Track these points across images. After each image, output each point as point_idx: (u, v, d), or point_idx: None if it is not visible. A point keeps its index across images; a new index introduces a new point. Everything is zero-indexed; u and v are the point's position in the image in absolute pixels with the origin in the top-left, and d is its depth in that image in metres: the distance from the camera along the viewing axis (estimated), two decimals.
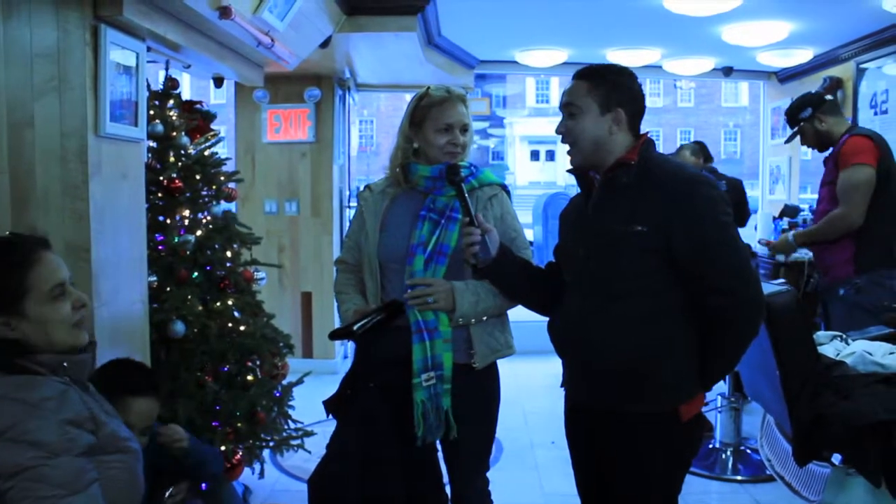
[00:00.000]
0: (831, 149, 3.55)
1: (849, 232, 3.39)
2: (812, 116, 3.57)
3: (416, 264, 2.25)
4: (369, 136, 33.10)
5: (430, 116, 2.31)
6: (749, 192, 10.94)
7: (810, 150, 4.00)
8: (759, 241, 4.47)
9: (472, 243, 2.13)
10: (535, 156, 35.84)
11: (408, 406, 2.23)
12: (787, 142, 4.00)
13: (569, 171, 2.13)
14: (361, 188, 2.50)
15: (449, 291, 2.22)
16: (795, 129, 3.68)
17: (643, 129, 2.07)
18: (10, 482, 1.43)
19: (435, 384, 2.23)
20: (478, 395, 2.34)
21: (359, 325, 2.22)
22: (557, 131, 2.07)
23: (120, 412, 1.96)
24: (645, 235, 1.89)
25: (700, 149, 5.50)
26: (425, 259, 2.25)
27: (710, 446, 3.97)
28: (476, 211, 2.23)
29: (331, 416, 2.37)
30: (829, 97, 3.66)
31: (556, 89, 32.90)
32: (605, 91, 1.98)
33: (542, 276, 2.27)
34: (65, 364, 1.59)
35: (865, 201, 3.32)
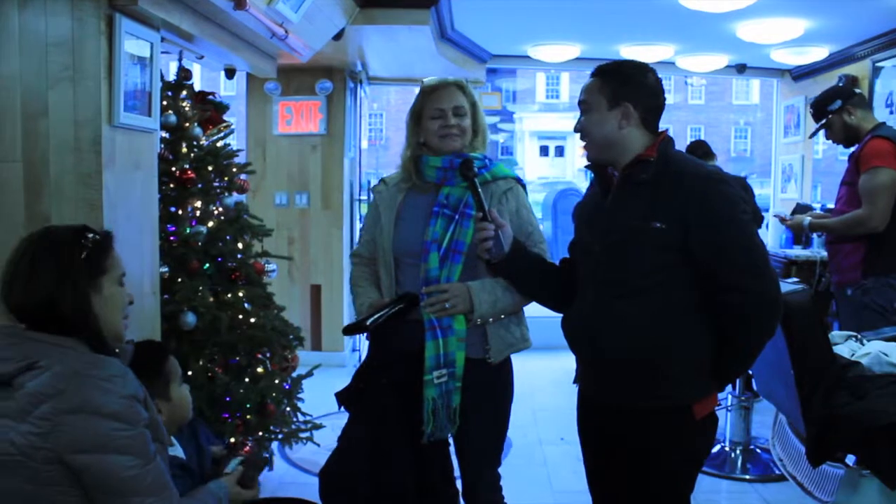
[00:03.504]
0: (856, 145, 3.48)
1: (871, 234, 3.33)
2: (842, 109, 3.47)
3: (431, 261, 2.23)
4: (379, 129, 33.07)
5: (425, 107, 2.33)
6: (760, 191, 10.91)
7: (822, 149, 3.95)
8: (775, 215, 4.41)
9: (485, 238, 2.12)
10: (544, 151, 35.71)
11: (418, 401, 2.23)
12: (811, 136, 3.92)
13: (587, 166, 2.12)
14: (376, 181, 2.49)
15: (465, 293, 2.20)
16: (823, 121, 3.57)
17: (667, 127, 2.05)
18: (94, 456, 1.49)
19: (446, 381, 2.22)
20: (491, 390, 2.34)
21: (372, 319, 2.21)
22: (574, 129, 2.06)
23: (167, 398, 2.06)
24: (663, 232, 1.87)
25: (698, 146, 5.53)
26: (440, 256, 2.23)
27: (720, 446, 3.96)
28: (490, 205, 2.22)
29: (342, 409, 2.37)
30: (858, 90, 3.58)
31: (567, 85, 32.79)
32: (614, 87, 1.97)
33: (556, 272, 2.25)
34: (116, 350, 1.70)
35: (889, 205, 3.26)
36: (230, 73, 3.93)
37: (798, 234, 3.88)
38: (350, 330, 2.27)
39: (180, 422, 2.13)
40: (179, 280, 3.04)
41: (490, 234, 2.12)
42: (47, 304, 1.58)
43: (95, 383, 1.53)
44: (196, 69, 4.10)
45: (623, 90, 1.96)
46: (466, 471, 2.39)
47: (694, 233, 1.86)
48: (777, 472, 3.41)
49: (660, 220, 1.88)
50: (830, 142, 3.73)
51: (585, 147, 2.04)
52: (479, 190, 2.16)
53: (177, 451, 2.10)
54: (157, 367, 2.09)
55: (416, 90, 2.41)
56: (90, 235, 1.68)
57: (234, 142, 3.56)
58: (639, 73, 1.99)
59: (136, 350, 2.03)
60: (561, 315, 2.18)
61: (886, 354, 2.41)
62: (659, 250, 1.90)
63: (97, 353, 1.61)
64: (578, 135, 2.05)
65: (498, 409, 2.38)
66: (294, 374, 3.48)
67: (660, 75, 2.05)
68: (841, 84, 3.57)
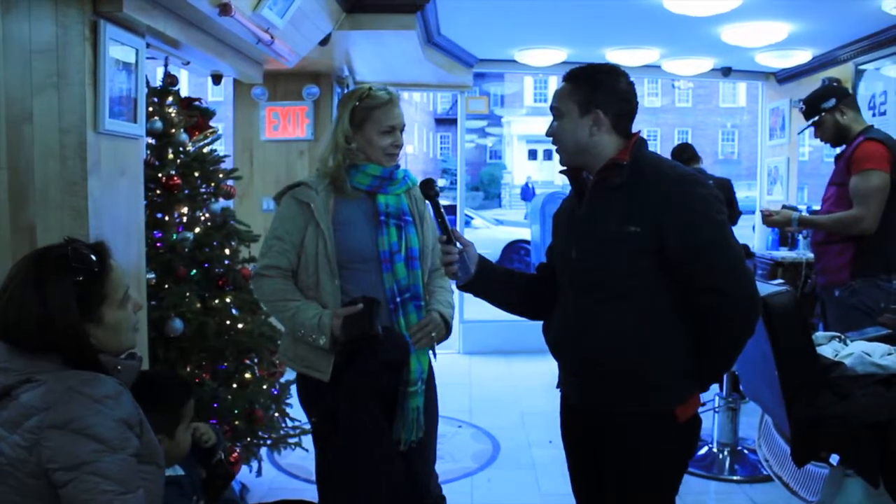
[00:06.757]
0: (843, 147, 3.50)
1: (860, 235, 3.34)
2: (835, 107, 3.48)
3: (399, 271, 2.30)
4: None
5: (371, 118, 2.30)
6: (746, 193, 10.96)
7: (808, 151, 3.96)
8: (761, 210, 4.40)
9: (450, 262, 2.08)
10: (532, 155, 35.84)
11: (393, 412, 2.33)
12: (800, 132, 3.92)
13: (561, 171, 2.12)
14: (297, 186, 2.36)
15: (439, 319, 2.37)
16: (815, 118, 3.56)
17: (640, 129, 2.06)
18: (71, 474, 1.46)
19: (421, 388, 2.35)
20: (432, 383, 2.46)
21: (375, 326, 2.20)
22: (546, 134, 2.08)
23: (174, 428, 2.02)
24: (638, 236, 1.88)
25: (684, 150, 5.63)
26: (404, 264, 2.33)
27: (707, 447, 3.98)
28: (424, 210, 2.35)
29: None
30: (850, 91, 3.57)
31: (554, 89, 32.78)
32: (584, 93, 1.97)
33: (527, 282, 2.25)
34: (119, 368, 1.65)
35: (881, 208, 3.28)
36: (217, 79, 3.93)
37: (784, 231, 3.86)
38: (355, 341, 2.21)
39: (175, 460, 2.09)
40: (166, 286, 3.03)
41: (455, 257, 2.07)
42: (39, 339, 1.55)
43: (85, 402, 1.50)
44: (183, 75, 4.10)
45: (594, 96, 1.96)
46: (421, 468, 2.44)
47: (669, 234, 1.86)
48: (764, 472, 3.42)
49: (635, 223, 1.88)
50: (817, 141, 3.74)
51: (558, 152, 2.06)
52: (442, 210, 2.11)
53: (175, 469, 2.09)
54: (175, 407, 2.07)
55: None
56: (80, 266, 1.59)
57: (221, 147, 3.56)
58: (610, 78, 1.99)
59: (162, 383, 2.06)
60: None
61: (869, 354, 2.42)
62: (635, 254, 1.90)
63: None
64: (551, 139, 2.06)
65: (436, 401, 2.50)
66: (282, 380, 3.48)
67: (645, 79, 2.06)
68: (835, 85, 3.60)
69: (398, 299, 2.29)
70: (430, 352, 2.44)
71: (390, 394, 2.31)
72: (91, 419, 1.48)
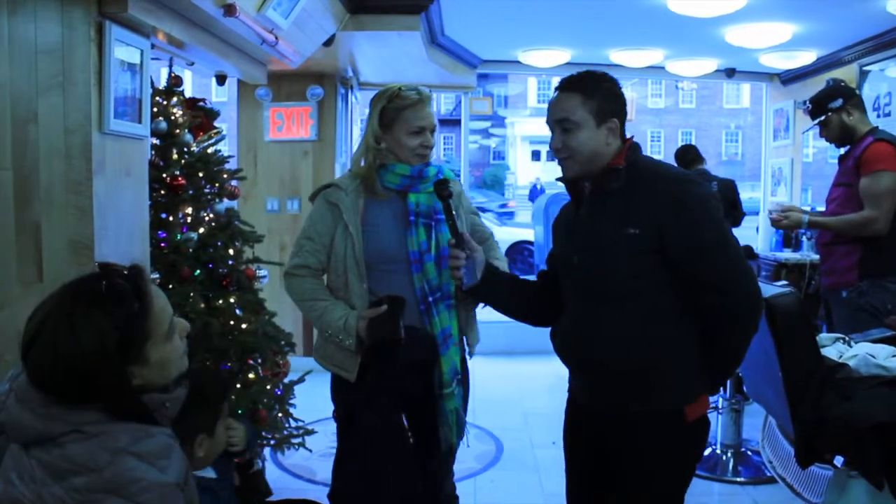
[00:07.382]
0: (847, 147, 3.49)
1: (869, 237, 3.33)
2: (842, 107, 3.47)
3: (429, 271, 2.26)
4: None
5: (401, 118, 2.28)
6: (750, 194, 10.92)
7: (812, 152, 3.95)
8: (769, 212, 4.39)
9: (457, 266, 2.10)
10: (535, 156, 35.77)
11: (428, 415, 2.30)
12: (804, 131, 3.91)
13: (558, 179, 2.10)
14: (329, 186, 2.37)
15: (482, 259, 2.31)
16: (821, 118, 3.54)
17: (643, 130, 2.06)
18: None
19: (458, 388, 2.31)
20: (466, 386, 2.44)
21: (399, 330, 2.17)
22: (553, 146, 2.02)
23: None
24: (638, 237, 1.89)
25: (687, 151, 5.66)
26: (435, 264, 2.28)
27: (711, 448, 3.97)
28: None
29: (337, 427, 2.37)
30: (857, 92, 3.56)
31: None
32: (599, 102, 1.96)
33: (531, 289, 2.26)
34: (167, 405, 1.52)
35: (892, 208, 3.28)
36: (221, 80, 3.93)
37: (792, 229, 3.82)
38: (378, 346, 2.21)
39: (214, 457, 2.07)
40: (170, 286, 3.03)
41: (462, 262, 2.09)
42: (77, 391, 1.40)
43: (137, 465, 1.38)
44: (187, 75, 4.10)
45: (608, 105, 1.96)
46: (440, 467, 2.44)
47: (669, 234, 1.87)
48: (768, 474, 3.42)
49: (634, 225, 1.89)
50: (822, 142, 3.72)
51: (565, 164, 2.02)
52: (454, 213, 2.12)
53: (206, 470, 2.08)
54: (215, 403, 2.06)
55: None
56: (118, 308, 1.41)
57: (225, 148, 3.56)
58: (613, 85, 2.00)
59: (203, 379, 2.01)
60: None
61: (873, 356, 2.42)
62: (636, 256, 1.91)
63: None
64: (555, 152, 2.02)
65: (467, 399, 2.46)
66: (286, 380, 3.48)
67: (649, 80, 2.07)
68: (842, 85, 3.60)
69: (430, 299, 2.27)
70: (465, 351, 2.45)
71: (421, 395, 2.30)
72: (142, 483, 1.37)
